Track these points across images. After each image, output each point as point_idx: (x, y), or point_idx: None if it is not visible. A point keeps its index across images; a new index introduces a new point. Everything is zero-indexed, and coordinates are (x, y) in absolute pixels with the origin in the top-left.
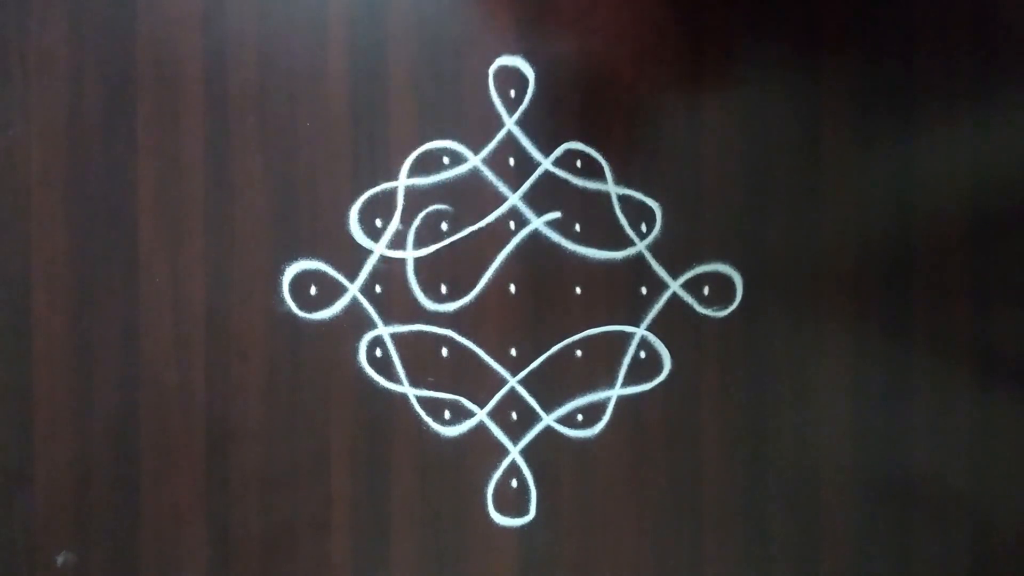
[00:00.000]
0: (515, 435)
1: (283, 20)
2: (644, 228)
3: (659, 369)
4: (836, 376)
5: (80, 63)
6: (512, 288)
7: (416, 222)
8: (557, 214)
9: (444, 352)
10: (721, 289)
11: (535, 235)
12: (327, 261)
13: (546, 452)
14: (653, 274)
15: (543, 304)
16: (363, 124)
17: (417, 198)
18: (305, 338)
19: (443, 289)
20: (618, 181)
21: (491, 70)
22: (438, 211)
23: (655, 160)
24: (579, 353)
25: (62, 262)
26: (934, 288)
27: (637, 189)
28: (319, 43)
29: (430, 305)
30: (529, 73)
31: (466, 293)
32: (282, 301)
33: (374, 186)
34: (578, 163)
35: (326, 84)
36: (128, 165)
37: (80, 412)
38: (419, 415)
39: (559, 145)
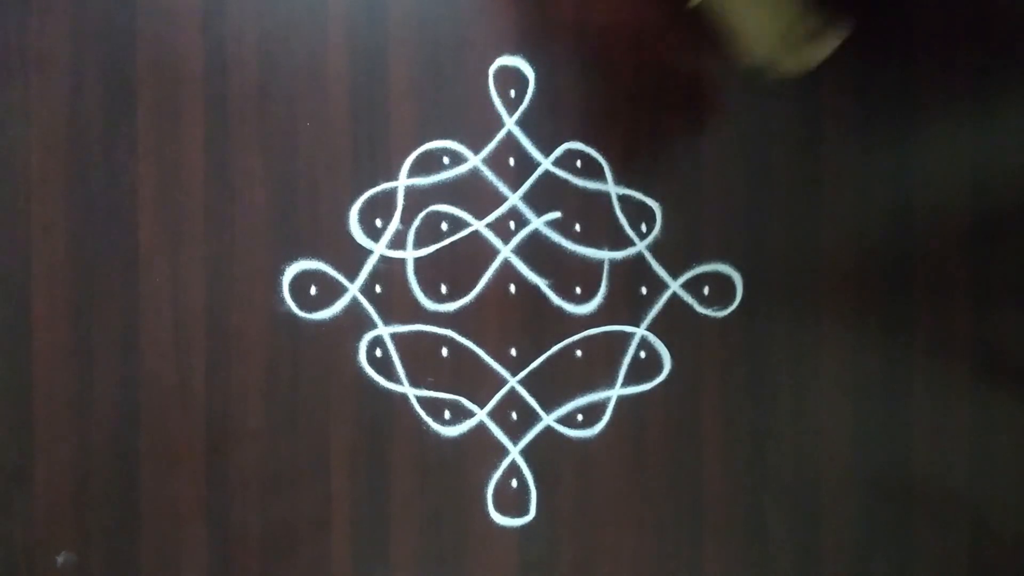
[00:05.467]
0: (515, 435)
1: (283, 20)
2: (644, 228)
3: (659, 369)
4: (836, 376)
5: (80, 63)
6: (512, 288)
7: (416, 222)
8: (557, 214)
9: (444, 352)
10: (721, 289)
11: (535, 235)
12: (327, 261)
13: (546, 452)
14: (653, 274)
15: (543, 304)
16: (363, 124)
17: (417, 198)
18: (305, 338)
19: (443, 289)
20: (618, 181)
21: (491, 70)
22: (438, 211)
23: (655, 160)
24: (579, 353)
25: (62, 262)
26: (934, 288)
27: (637, 189)
28: (319, 43)
29: (430, 305)
30: (529, 73)
31: (466, 293)
32: (282, 301)
33: (374, 186)
34: (578, 163)
35: (326, 84)
36: (128, 165)
37: (80, 412)
38: (419, 415)
39: (559, 145)
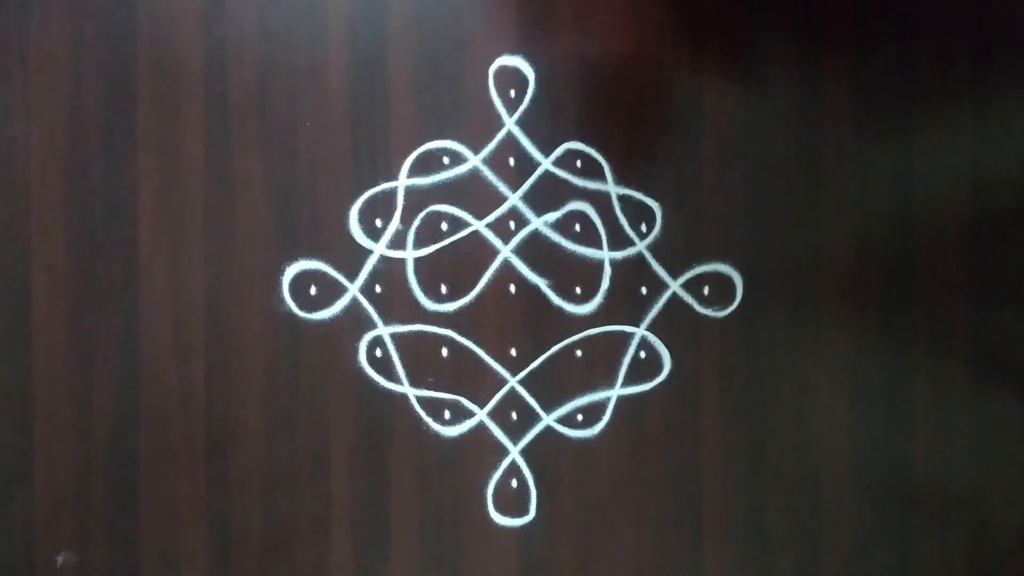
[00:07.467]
0: (515, 435)
1: (283, 20)
2: (644, 228)
3: (659, 369)
4: (836, 375)
5: (80, 63)
6: (512, 288)
7: (416, 222)
8: (557, 214)
9: (444, 352)
10: (721, 289)
11: (535, 235)
12: (327, 261)
13: (546, 452)
14: (653, 274)
15: (543, 304)
16: (363, 124)
17: (417, 198)
18: (305, 338)
19: (443, 289)
20: (618, 181)
21: (491, 70)
22: (438, 211)
23: (655, 160)
24: (579, 353)
25: (62, 262)
26: (934, 288)
27: (637, 189)
28: (319, 43)
29: (430, 305)
30: (529, 73)
31: (466, 293)
32: (282, 301)
33: (374, 186)
34: (578, 163)
35: (326, 84)
36: (128, 165)
37: (80, 412)
38: (419, 415)
39: (559, 145)
